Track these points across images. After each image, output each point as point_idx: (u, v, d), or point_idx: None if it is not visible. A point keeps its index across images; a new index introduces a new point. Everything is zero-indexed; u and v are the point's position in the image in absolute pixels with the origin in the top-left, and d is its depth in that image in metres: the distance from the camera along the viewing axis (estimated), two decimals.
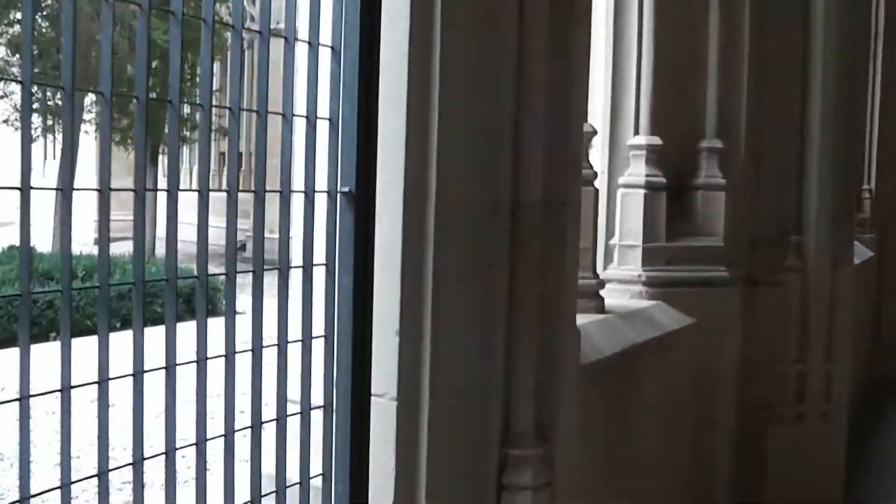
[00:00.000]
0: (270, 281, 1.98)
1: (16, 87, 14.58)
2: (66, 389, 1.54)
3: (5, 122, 15.08)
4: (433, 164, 2.29)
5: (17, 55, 13.92)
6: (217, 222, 1.78)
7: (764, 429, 4.51)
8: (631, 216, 3.98)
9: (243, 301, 1.89)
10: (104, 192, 1.67)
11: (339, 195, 2.13)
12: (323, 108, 2.09)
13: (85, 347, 1.71)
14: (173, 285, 1.78)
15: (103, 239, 1.70)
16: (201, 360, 1.83)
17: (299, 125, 2.05)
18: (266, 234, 1.94)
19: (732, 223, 4.24)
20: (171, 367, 1.77)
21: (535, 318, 2.53)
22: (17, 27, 14.14)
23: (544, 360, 2.56)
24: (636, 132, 4.01)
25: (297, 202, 2.08)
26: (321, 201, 2.13)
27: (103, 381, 1.61)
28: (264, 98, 1.96)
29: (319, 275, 2.13)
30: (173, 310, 1.79)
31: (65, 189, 1.61)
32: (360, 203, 2.14)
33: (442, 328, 2.32)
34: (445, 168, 2.30)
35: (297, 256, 2.08)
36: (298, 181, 2.08)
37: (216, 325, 1.90)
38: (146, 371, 1.70)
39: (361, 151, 2.13)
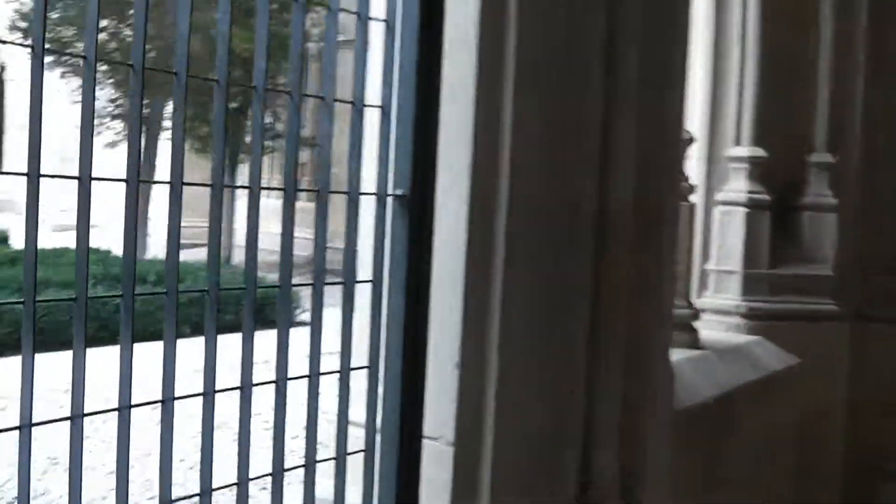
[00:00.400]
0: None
1: (100, 93, 14.82)
2: (123, 408, 1.37)
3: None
4: (505, 165, 1.92)
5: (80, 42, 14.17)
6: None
7: (875, 484, 3.99)
8: (730, 238, 3.53)
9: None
10: (176, 185, 1.40)
11: (389, 199, 1.77)
12: (372, 94, 1.74)
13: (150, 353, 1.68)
14: (252, 294, 1.57)
15: (173, 240, 1.46)
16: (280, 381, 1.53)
17: (341, 112, 1.70)
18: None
19: (843, 249, 3.76)
20: (246, 388, 1.52)
21: (621, 352, 2.14)
22: (102, 34, 14.43)
23: (631, 401, 2.16)
24: (737, 142, 3.57)
25: (339, 206, 1.73)
26: (368, 206, 1.77)
27: (168, 401, 1.44)
28: (331, 81, 1.63)
29: (364, 293, 1.77)
30: (251, 322, 1.57)
31: (129, 181, 1.35)
32: (415, 209, 1.77)
33: (511, 360, 1.94)
34: (519, 170, 1.93)
35: (337, 270, 1.73)
36: (339, 181, 1.73)
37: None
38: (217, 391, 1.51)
39: (418, 147, 1.76)
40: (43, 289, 8.57)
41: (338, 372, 1.70)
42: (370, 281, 1.75)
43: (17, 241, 13.47)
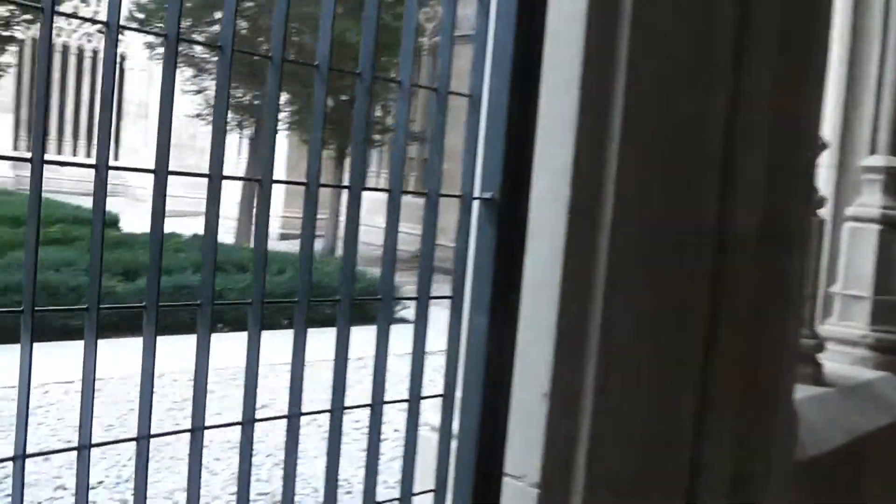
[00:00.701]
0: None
1: (211, 83, 15.12)
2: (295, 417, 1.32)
3: (198, 116, 15.66)
4: (611, 170, 1.67)
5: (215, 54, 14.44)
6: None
7: None
8: (859, 258, 3.16)
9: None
10: (265, 184, 1.27)
11: (475, 202, 1.53)
12: (459, 81, 1.51)
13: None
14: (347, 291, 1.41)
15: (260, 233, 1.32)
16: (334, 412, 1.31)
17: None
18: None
19: None
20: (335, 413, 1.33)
21: (736, 390, 1.84)
22: (216, 27, 14.66)
23: (746, 447, 1.86)
24: (872, 151, 3.19)
25: (416, 209, 1.51)
26: (449, 209, 1.54)
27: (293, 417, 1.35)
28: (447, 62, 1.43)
29: (441, 310, 1.54)
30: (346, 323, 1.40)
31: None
32: (505, 215, 1.54)
33: (609, 394, 1.69)
34: (628, 178, 1.67)
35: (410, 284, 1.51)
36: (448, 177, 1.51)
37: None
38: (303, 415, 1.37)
39: (512, 143, 1.52)
40: (142, 274, 8.67)
41: (406, 401, 1.48)
42: (448, 297, 1.52)
43: (127, 225, 13.82)
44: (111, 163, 1.16)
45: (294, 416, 1.31)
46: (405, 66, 1.39)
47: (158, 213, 1.22)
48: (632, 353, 1.71)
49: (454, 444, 1.56)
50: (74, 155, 24.65)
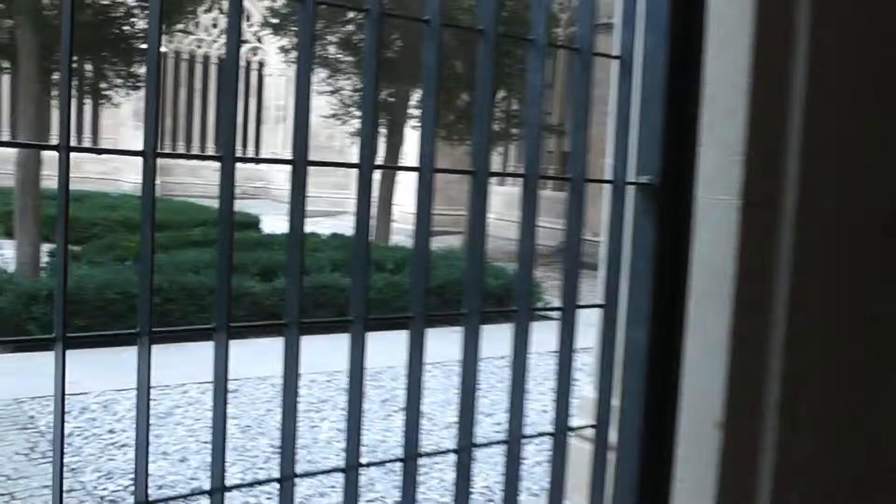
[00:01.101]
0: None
1: (346, 83, 15.26)
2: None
3: (334, 116, 15.89)
4: (794, 146, 1.35)
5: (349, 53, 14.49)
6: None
7: None
8: None
9: None
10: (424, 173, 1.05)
11: (630, 188, 1.25)
12: (608, 41, 1.23)
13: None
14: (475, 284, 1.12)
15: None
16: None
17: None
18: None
19: None
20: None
21: None
22: (349, 26, 14.76)
23: None
24: None
25: (556, 203, 1.25)
26: (599, 196, 1.27)
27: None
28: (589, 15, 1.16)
29: (590, 321, 1.27)
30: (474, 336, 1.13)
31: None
32: (666, 204, 1.25)
33: (793, 424, 1.37)
34: (816, 152, 1.35)
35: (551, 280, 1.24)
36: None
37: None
38: None
39: (673, 115, 1.24)
40: (279, 274, 8.72)
41: (550, 434, 1.22)
42: (600, 305, 1.25)
43: (268, 226, 14.11)
44: (250, 169, 0.97)
45: (463, 449, 1.07)
46: (539, 23, 1.13)
47: (298, 205, 1.06)
48: (824, 374, 1.39)
49: (610, 481, 1.29)
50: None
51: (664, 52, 1.22)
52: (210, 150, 25.92)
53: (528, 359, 1.19)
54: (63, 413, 0.99)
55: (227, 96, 1.00)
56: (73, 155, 0.86)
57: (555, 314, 1.21)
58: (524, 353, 1.17)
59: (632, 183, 1.22)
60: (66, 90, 0.84)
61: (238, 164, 1.06)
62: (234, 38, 0.98)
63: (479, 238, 1.12)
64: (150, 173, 1.01)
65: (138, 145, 0.99)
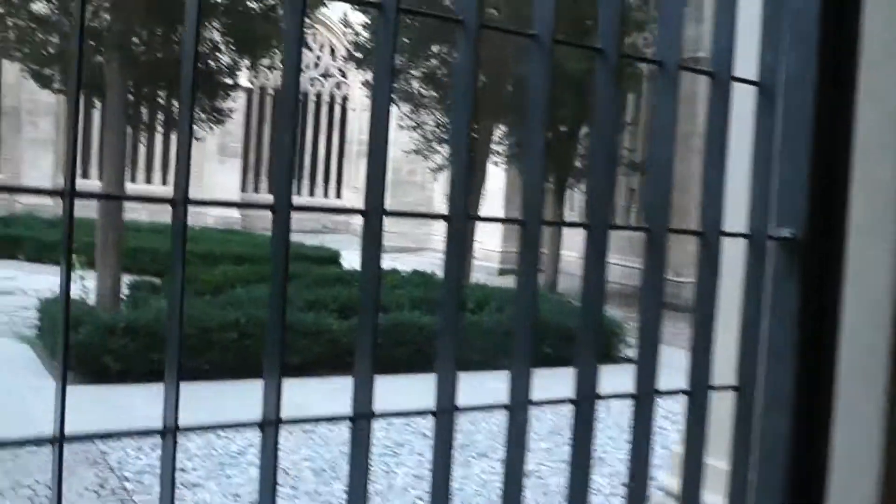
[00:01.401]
0: None
1: (428, 118, 15.18)
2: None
3: (416, 151, 15.79)
4: None
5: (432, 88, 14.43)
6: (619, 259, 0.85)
7: None
8: None
9: None
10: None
11: (770, 242, 1.03)
12: (745, 64, 1.02)
13: None
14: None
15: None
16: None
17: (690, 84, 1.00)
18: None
19: None
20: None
21: None
22: (433, 61, 14.74)
23: None
24: None
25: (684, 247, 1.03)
26: (733, 251, 1.05)
27: None
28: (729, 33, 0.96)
29: (724, 397, 1.05)
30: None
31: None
32: (811, 261, 1.03)
33: None
34: None
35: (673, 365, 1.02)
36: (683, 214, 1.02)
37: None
38: None
39: (821, 153, 1.01)
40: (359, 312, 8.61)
41: None
42: (734, 387, 1.02)
43: (348, 262, 14.04)
44: (333, 203, 0.78)
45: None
46: (665, 43, 0.92)
47: (373, 251, 0.87)
48: None
49: None
50: (298, 194, 25.89)
51: (812, 81, 1.00)
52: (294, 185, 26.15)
53: (651, 440, 0.97)
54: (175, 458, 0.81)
55: (282, 133, 0.81)
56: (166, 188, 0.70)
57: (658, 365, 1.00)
58: (647, 447, 0.96)
59: (773, 238, 1.00)
60: (73, 130, 0.67)
61: (318, 194, 0.87)
62: (293, 75, 0.80)
63: (598, 291, 0.92)
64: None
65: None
